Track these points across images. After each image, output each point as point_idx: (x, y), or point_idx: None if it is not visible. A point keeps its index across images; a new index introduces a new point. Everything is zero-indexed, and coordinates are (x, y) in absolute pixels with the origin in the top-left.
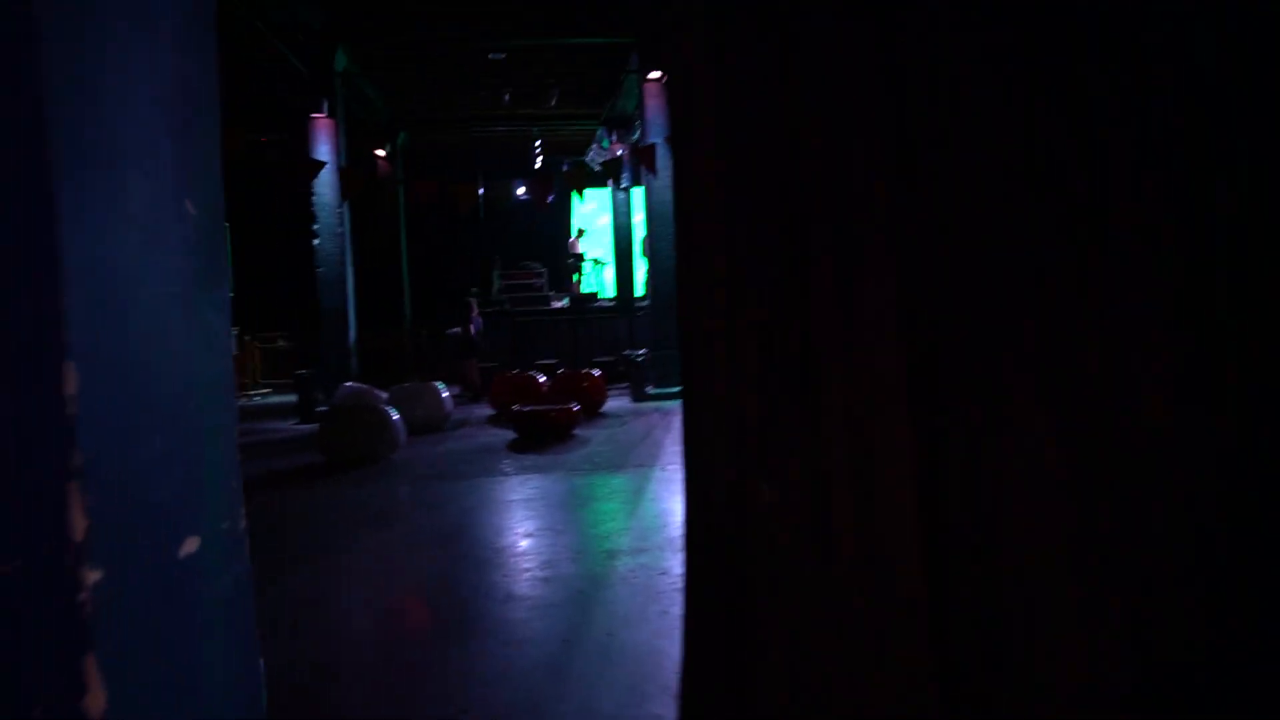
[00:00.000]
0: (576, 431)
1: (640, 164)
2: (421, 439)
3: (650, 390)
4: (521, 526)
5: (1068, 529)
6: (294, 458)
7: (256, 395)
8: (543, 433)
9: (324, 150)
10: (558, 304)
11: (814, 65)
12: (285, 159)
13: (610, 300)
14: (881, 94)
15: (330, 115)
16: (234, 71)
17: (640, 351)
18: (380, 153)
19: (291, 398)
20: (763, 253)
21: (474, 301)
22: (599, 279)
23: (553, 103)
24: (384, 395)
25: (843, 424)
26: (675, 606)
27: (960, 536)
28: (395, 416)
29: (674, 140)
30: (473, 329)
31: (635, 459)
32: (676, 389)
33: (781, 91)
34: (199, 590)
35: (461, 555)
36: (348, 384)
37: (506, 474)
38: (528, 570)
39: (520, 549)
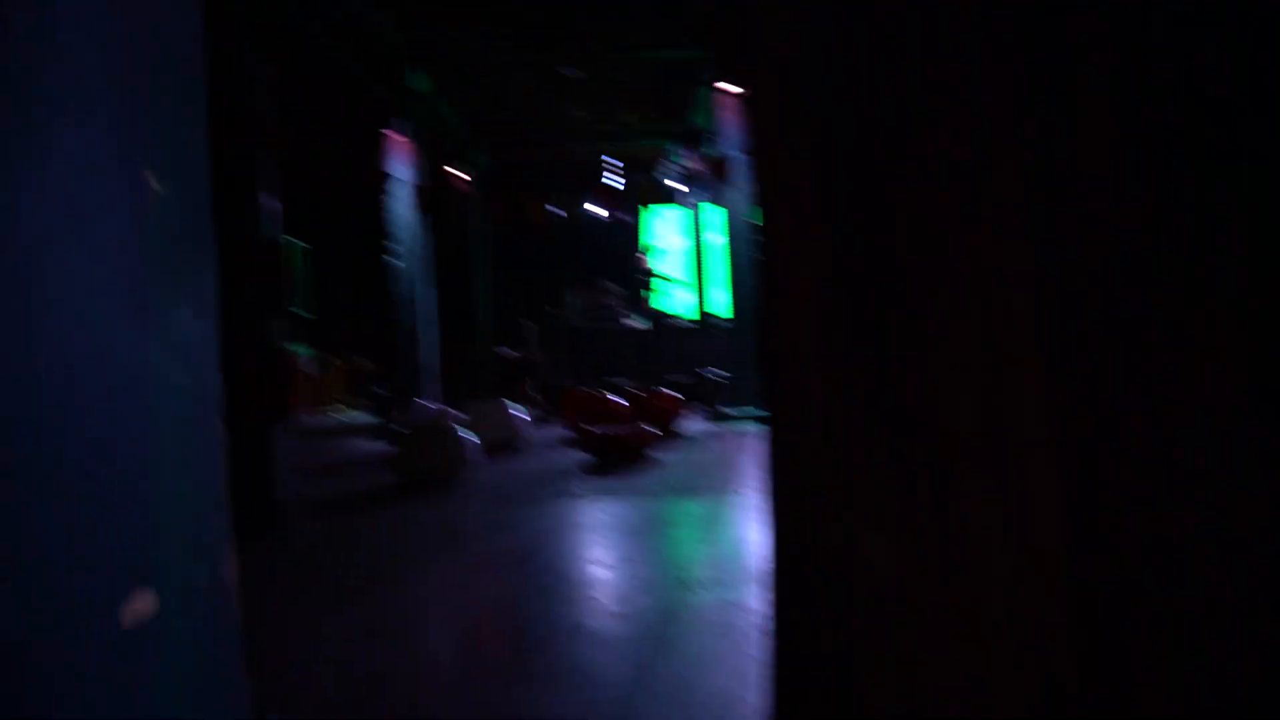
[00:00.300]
0: (651, 453)
1: (714, 177)
2: (495, 459)
3: (728, 411)
4: (592, 553)
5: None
6: (368, 477)
7: (337, 413)
8: (616, 455)
9: (401, 169)
10: (632, 322)
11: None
12: (363, 178)
13: (686, 318)
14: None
15: (406, 134)
16: (312, 91)
17: (717, 371)
18: (457, 172)
19: (370, 416)
20: (867, 252)
21: (533, 324)
22: (673, 296)
23: (625, 118)
24: (459, 415)
25: (970, 451)
26: (755, 648)
27: (1117, 589)
28: (466, 437)
29: (756, 143)
30: (531, 352)
31: (712, 483)
32: (755, 410)
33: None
34: (155, 660)
35: (528, 583)
36: (423, 402)
37: (578, 497)
38: (596, 602)
39: (590, 578)
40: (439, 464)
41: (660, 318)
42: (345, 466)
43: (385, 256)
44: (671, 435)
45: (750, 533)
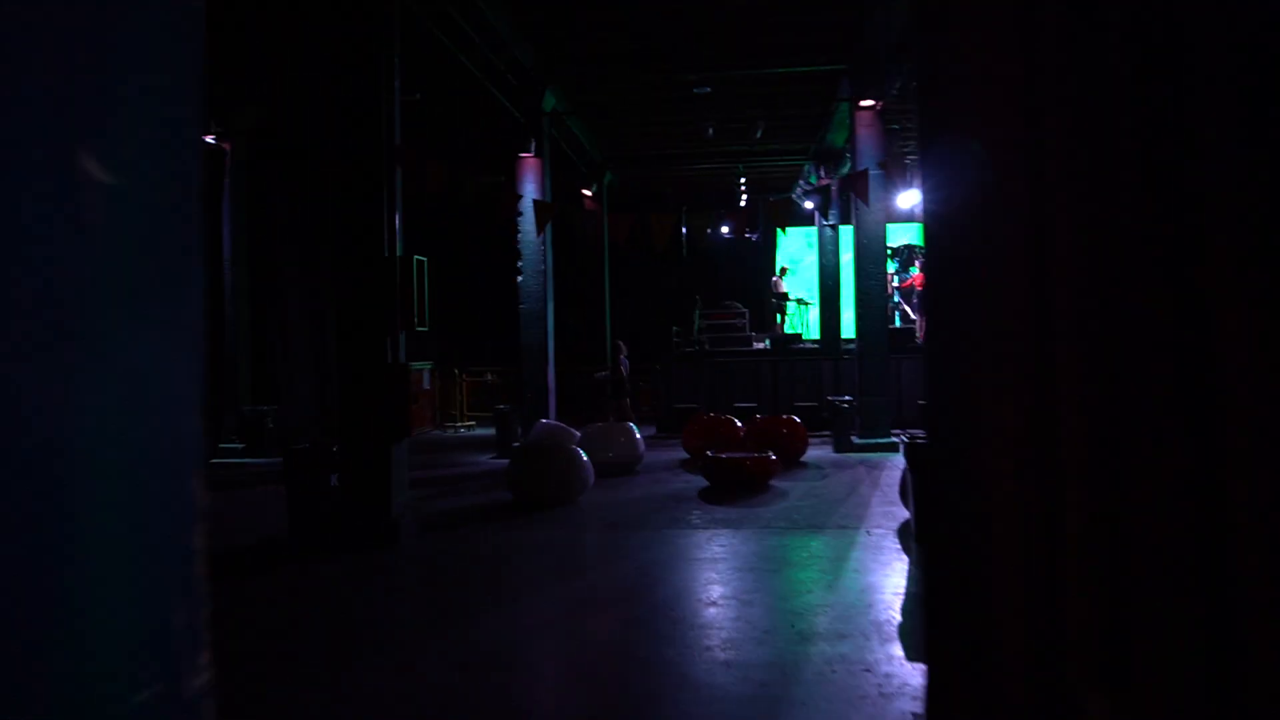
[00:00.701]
0: (773, 482)
1: (851, 196)
2: (611, 481)
3: (855, 440)
4: (705, 592)
5: None
6: (486, 494)
7: (463, 428)
8: (736, 482)
9: (530, 188)
10: (759, 345)
11: None
12: (491, 196)
13: (814, 342)
14: None
15: (538, 155)
16: (449, 113)
17: (845, 398)
18: (587, 192)
19: (493, 431)
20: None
21: (622, 344)
22: (803, 319)
23: (758, 135)
24: (577, 434)
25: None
26: None
27: None
28: (584, 458)
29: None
30: (623, 370)
31: (838, 519)
32: (885, 439)
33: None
34: None
35: (636, 622)
36: (543, 421)
37: (694, 527)
38: (708, 648)
39: (701, 620)
40: (556, 484)
41: (789, 340)
42: (465, 481)
43: (514, 275)
44: (796, 463)
45: (879, 578)
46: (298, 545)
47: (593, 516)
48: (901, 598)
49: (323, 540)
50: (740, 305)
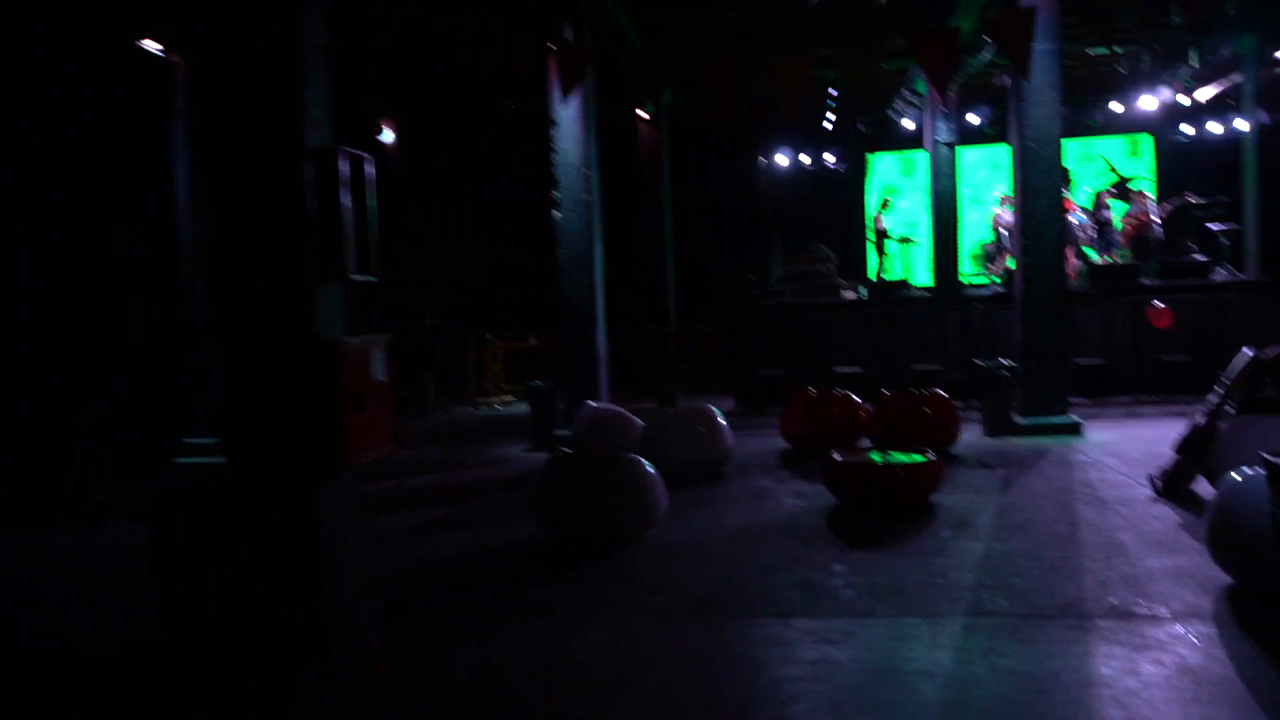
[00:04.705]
0: (935, 497)
1: (1016, 87)
2: (690, 493)
3: (1018, 420)
4: None
5: None
6: (507, 523)
7: (498, 404)
8: (879, 500)
9: (563, 99)
10: (848, 294)
11: None
12: (517, 101)
13: (925, 289)
14: None
15: (576, 53)
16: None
17: (1003, 361)
18: (643, 114)
19: (529, 409)
20: None
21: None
22: (905, 262)
23: (848, 31)
24: (640, 423)
25: None
26: None
27: None
28: (652, 474)
29: None
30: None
31: (1094, 588)
32: (1062, 419)
33: None
34: None
35: None
36: (590, 404)
37: (846, 610)
38: None
39: None
40: (608, 517)
41: (892, 289)
42: (484, 492)
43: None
44: (946, 456)
45: None
46: (170, 653)
47: (665, 580)
48: None
49: (213, 644)
50: (826, 249)
